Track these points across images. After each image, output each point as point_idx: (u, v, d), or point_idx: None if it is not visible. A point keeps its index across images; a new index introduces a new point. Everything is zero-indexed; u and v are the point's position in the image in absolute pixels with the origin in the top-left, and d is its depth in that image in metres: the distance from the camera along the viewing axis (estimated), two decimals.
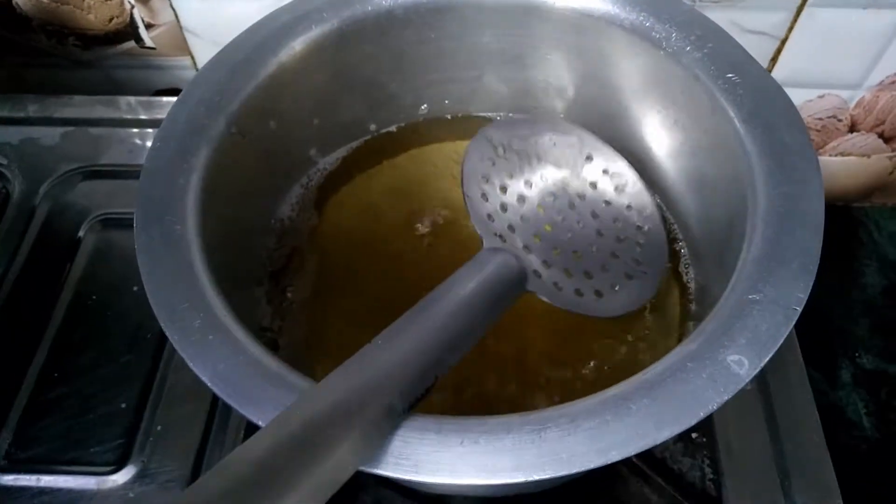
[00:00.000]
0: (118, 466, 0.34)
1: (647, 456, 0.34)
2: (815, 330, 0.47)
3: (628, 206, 0.33)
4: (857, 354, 0.46)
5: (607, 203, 0.33)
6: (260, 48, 0.31)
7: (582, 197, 0.33)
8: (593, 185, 0.33)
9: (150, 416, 0.36)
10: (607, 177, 0.34)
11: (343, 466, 0.20)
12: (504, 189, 0.32)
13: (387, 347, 0.23)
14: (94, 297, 0.40)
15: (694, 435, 0.35)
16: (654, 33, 0.31)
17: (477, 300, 0.26)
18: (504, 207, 0.31)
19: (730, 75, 0.29)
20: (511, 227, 0.31)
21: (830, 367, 0.46)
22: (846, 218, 0.54)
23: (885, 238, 0.53)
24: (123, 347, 0.38)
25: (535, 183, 0.32)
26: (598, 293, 0.31)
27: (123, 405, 0.36)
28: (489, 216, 0.30)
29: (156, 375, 0.37)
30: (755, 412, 0.35)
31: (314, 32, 0.32)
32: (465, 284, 0.26)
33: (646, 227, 0.33)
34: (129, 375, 0.37)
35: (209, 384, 0.22)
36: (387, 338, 0.23)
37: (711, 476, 0.34)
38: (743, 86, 0.28)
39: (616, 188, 0.34)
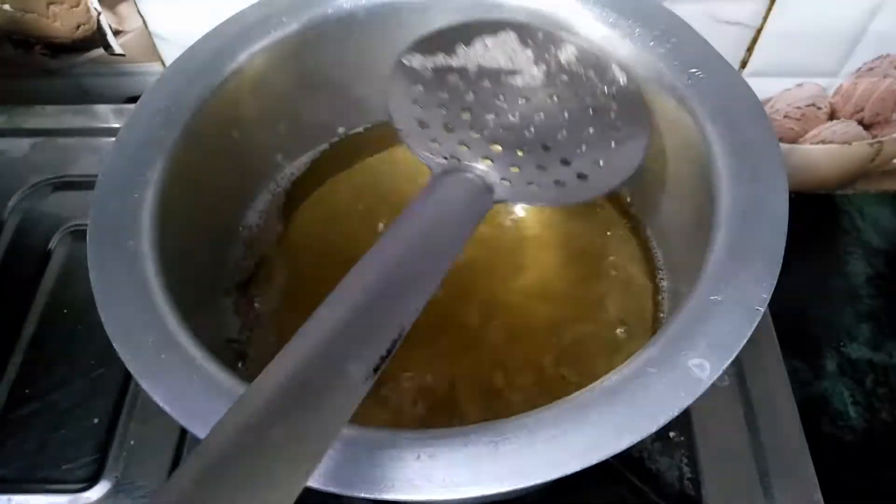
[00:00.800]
0: (91, 483, 0.34)
1: (623, 456, 0.34)
2: (799, 319, 0.47)
3: (588, 76, 0.30)
4: (842, 343, 0.46)
5: (565, 81, 0.30)
6: (217, 55, 0.31)
7: (534, 88, 0.30)
8: (545, 71, 0.30)
9: (123, 430, 0.35)
10: (556, 55, 0.30)
11: (300, 461, 0.17)
12: (444, 107, 0.29)
13: (332, 308, 0.20)
14: (65, 311, 0.40)
15: (672, 433, 0.35)
16: (617, 29, 0.30)
17: (433, 231, 0.24)
18: (448, 127, 0.28)
19: (693, 70, 0.28)
20: (463, 143, 0.28)
21: (815, 357, 0.46)
22: (829, 206, 0.53)
23: (869, 225, 0.52)
24: (95, 361, 0.38)
25: (479, 90, 0.29)
26: (582, 175, 0.28)
27: (96, 420, 0.36)
28: (433, 140, 0.28)
29: (128, 389, 0.36)
30: (733, 408, 0.35)
31: (273, 37, 0.32)
32: (415, 218, 0.24)
33: (614, 89, 0.30)
34: (102, 389, 0.37)
35: (161, 404, 0.21)
36: (333, 298, 0.20)
37: (690, 475, 0.33)
38: (707, 81, 0.28)
39: (568, 62, 0.30)
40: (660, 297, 0.33)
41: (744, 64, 0.45)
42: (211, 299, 0.32)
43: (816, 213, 0.53)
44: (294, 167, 0.37)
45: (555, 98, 0.30)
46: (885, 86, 0.46)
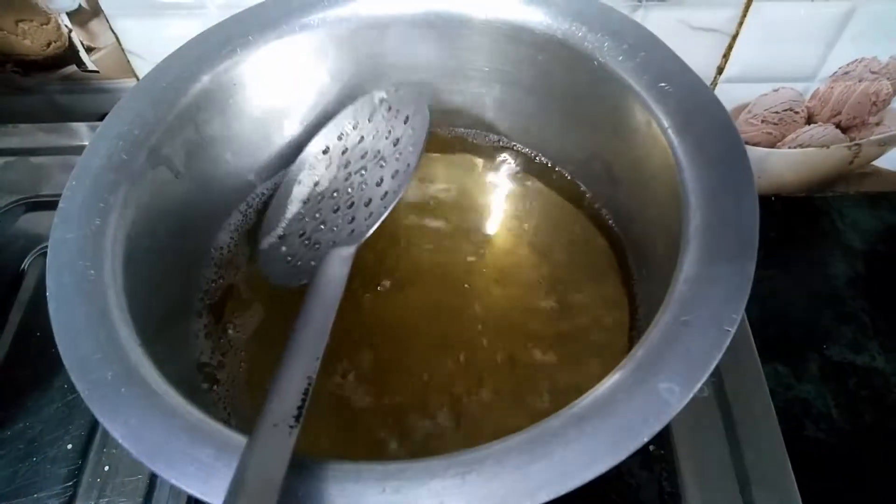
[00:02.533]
0: None
1: None
2: (780, 323, 0.47)
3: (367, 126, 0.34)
4: (824, 346, 0.46)
5: (359, 147, 0.34)
6: (182, 76, 0.30)
7: (339, 172, 0.34)
8: (339, 160, 0.34)
9: (97, 456, 0.35)
10: (341, 145, 0.34)
11: None
12: (305, 237, 0.33)
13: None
14: (38, 334, 0.39)
15: (651, 447, 0.34)
16: (586, 43, 0.30)
17: (328, 307, 0.27)
18: (314, 240, 0.32)
19: (662, 84, 0.28)
20: (325, 229, 0.32)
21: (797, 361, 0.45)
22: (808, 208, 0.53)
23: (849, 226, 0.52)
24: (69, 385, 0.37)
25: (322, 202, 0.33)
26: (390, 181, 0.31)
27: (69, 446, 0.35)
28: (310, 259, 0.31)
29: None
30: (713, 418, 0.35)
31: (241, 56, 0.31)
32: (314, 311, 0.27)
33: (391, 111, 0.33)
34: (75, 415, 0.36)
35: (120, 441, 0.21)
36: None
37: (669, 489, 0.33)
38: (675, 95, 0.27)
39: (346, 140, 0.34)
40: (636, 307, 0.33)
41: (720, 70, 0.45)
42: (182, 322, 0.32)
43: (796, 215, 0.53)
44: (266, 186, 0.37)
45: (364, 156, 0.33)
46: (861, 89, 0.46)
